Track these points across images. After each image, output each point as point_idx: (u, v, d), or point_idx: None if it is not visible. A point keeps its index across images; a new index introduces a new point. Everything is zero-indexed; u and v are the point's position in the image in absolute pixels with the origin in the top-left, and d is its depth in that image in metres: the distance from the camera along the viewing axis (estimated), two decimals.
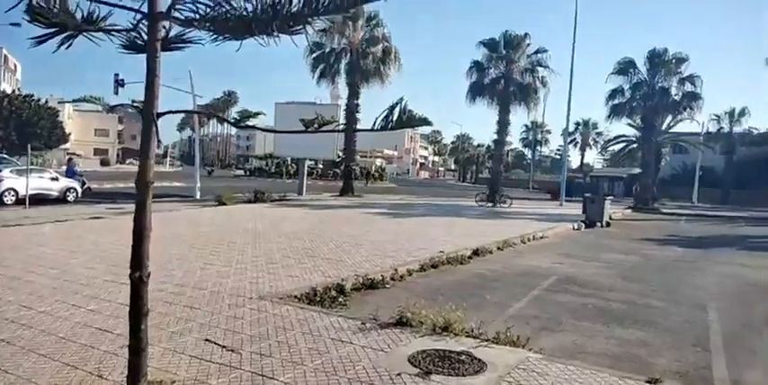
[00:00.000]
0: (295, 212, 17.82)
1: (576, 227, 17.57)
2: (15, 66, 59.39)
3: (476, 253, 10.76)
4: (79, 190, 21.85)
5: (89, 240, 10.16)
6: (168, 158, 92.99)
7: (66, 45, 3.06)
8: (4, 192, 18.61)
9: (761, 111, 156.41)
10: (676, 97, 29.12)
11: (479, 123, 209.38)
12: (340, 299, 6.75)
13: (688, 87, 28.85)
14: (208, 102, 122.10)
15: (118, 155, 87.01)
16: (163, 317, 5.36)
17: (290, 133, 3.06)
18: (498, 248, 11.76)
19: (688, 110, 29.40)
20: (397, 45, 29.32)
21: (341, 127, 29.26)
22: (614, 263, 11.11)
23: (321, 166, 60.80)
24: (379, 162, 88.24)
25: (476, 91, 29.19)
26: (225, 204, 19.42)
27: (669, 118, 32.11)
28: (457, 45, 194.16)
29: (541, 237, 14.38)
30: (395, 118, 3.05)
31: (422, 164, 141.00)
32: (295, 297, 6.40)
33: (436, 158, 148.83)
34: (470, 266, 9.73)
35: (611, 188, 60.54)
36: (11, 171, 19.21)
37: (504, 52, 28.55)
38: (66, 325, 5.09)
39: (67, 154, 63.59)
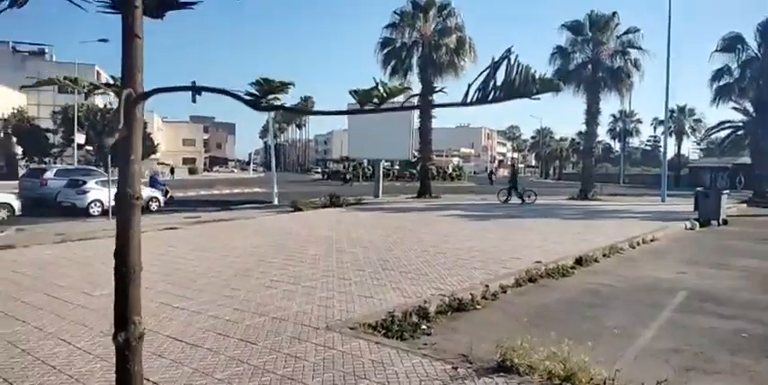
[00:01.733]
0: (370, 217, 16.87)
1: (689, 226, 15.35)
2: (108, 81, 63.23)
3: (579, 262, 9.22)
4: (162, 199, 22.16)
5: (156, 253, 9.66)
6: (251, 165, 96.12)
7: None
8: (90, 203, 19.12)
9: None
10: None
11: (561, 116, 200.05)
12: (423, 327, 5.58)
13: None
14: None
15: (205, 163, 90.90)
16: (211, 357, 4.43)
17: (341, 114, 2.07)
18: (605, 255, 10.12)
19: None
20: (471, 35, 27.79)
21: (415, 123, 28.58)
22: (751, 271, 9.16)
23: (397, 167, 59.98)
24: (456, 160, 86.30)
25: (559, 79, 27.01)
26: (301, 210, 18.86)
27: None
28: (535, 31, 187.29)
29: (652, 240, 12.48)
30: (499, 83, 1.86)
31: (500, 161, 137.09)
32: (369, 326, 5.30)
33: (515, 155, 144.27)
34: (576, 279, 8.24)
35: (714, 180, 55.21)
36: (96, 182, 19.68)
37: (590, 34, 26.25)
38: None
39: (158, 163, 67.09)
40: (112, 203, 18.17)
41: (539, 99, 1.92)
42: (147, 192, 21.64)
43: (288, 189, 32.71)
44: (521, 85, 1.91)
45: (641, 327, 5.77)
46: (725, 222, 16.37)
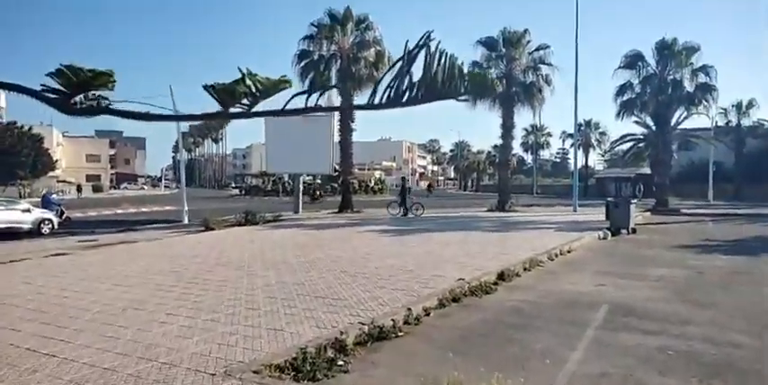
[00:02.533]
0: (288, 235, 16.06)
1: (602, 236, 15.81)
2: None
3: (501, 277, 8.99)
4: (55, 221, 20.12)
5: (36, 285, 8.39)
6: (163, 181, 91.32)
7: None
8: None
9: None
10: (689, 89, 27.43)
11: (479, 129, 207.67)
12: (340, 363, 4.97)
13: (701, 78, 27.19)
14: (201, 122, 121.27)
15: (111, 180, 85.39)
16: None
17: (209, 117, 1.56)
18: (525, 269, 10.00)
19: (703, 102, 27.73)
20: (389, 49, 27.79)
21: (336, 137, 28.03)
22: (665, 280, 9.33)
23: (319, 182, 59.08)
24: (377, 174, 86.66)
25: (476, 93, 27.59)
26: (212, 229, 17.69)
27: (678, 114, 30.47)
28: (452, 47, 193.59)
29: (569, 251, 12.62)
30: (417, 79, 1.35)
31: (421, 174, 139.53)
32: (277, 368, 4.62)
33: (435, 168, 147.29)
34: (499, 296, 7.96)
35: (618, 189, 58.89)
36: None
37: (503, 50, 27.05)
38: None
39: (58, 181, 62.09)
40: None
41: (466, 101, 1.46)
42: (36, 213, 19.59)
43: (202, 206, 31.00)
44: (445, 82, 1.42)
45: (568, 349, 5.49)
46: (633, 231, 17.06)
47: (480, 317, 6.81)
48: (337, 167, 31.44)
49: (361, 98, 28.00)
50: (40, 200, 24.52)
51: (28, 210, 19.30)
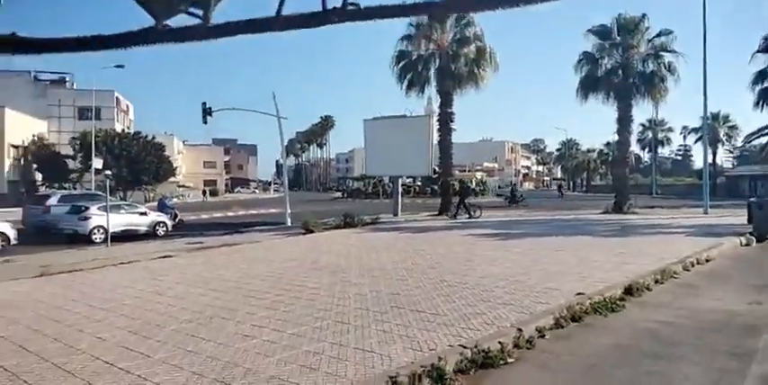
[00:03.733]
0: (386, 239, 15.49)
1: (744, 242, 13.60)
2: (128, 106, 63.62)
3: (629, 291, 7.69)
4: (169, 224, 21.22)
5: (136, 289, 8.44)
6: (272, 185, 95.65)
7: None
8: (92, 230, 18.17)
9: None
10: None
11: (587, 127, 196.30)
12: None
13: None
14: (307, 128, 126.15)
15: (226, 184, 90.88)
16: None
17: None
18: (657, 281, 8.56)
19: None
20: (491, 44, 26.50)
21: (435, 137, 27.18)
22: None
23: (419, 184, 58.61)
24: (479, 175, 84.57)
25: (588, 86, 25.46)
26: (312, 231, 17.61)
27: None
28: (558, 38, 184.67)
29: (707, 260, 10.83)
30: None
31: (525, 174, 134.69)
32: None
33: (540, 168, 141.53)
34: (628, 315, 6.72)
35: (754, 189, 52.42)
36: (98, 208, 18.76)
37: (618, 38, 24.69)
38: None
39: (178, 186, 67.02)
40: (119, 229, 17.49)
41: None
42: (152, 216, 20.74)
43: (305, 208, 31.62)
44: None
45: None
46: None
47: (607, 341, 5.67)
48: (437, 169, 30.61)
49: (460, 97, 27.00)
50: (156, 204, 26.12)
51: (145, 214, 20.50)
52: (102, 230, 18.07)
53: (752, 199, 16.56)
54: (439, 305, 6.85)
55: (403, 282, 8.58)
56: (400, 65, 26.61)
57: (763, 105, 25.06)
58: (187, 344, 5.40)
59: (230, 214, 32.10)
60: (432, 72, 26.73)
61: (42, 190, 45.90)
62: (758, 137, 33.55)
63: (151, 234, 19.85)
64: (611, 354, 5.25)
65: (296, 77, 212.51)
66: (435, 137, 26.84)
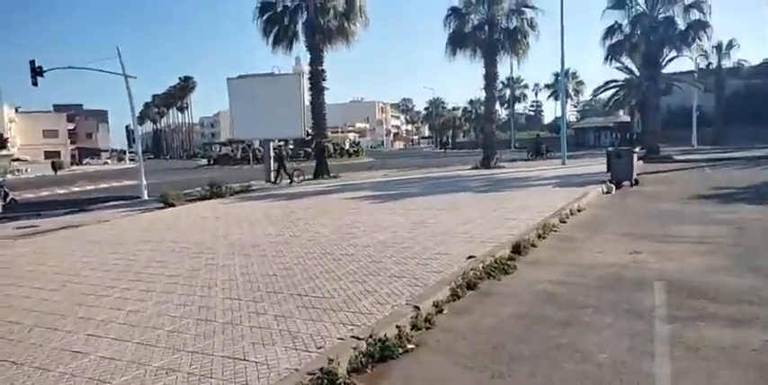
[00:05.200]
0: (259, 208, 14.24)
1: (605, 189, 14.38)
2: None
3: (517, 250, 7.41)
4: None
5: None
6: (128, 154, 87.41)
7: None
8: None
9: (749, 43, 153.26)
10: (682, 27, 25.67)
11: (453, 84, 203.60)
12: None
13: (694, 15, 25.42)
14: (165, 91, 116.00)
15: (73, 156, 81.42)
16: None
17: None
18: (539, 236, 8.44)
19: (696, 40, 26.04)
20: None
21: (306, 97, 25.80)
22: (708, 241, 7.85)
23: (291, 147, 56.70)
24: (351, 136, 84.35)
25: (456, 42, 25.49)
26: (173, 205, 15.74)
27: (662, 57, 28.82)
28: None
29: (579, 211, 11.12)
30: None
31: (395, 134, 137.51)
32: None
33: (409, 127, 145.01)
34: (522, 277, 6.37)
35: (598, 139, 57.93)
36: None
37: None
38: None
39: (12, 160, 58.46)
40: None
41: None
42: None
43: (165, 178, 28.90)
44: None
45: (647, 359, 3.94)
46: (636, 182, 15.70)
47: (508, 310, 5.21)
48: (310, 131, 29.33)
49: (331, 53, 25.71)
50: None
51: None
52: None
53: (610, 148, 17.61)
54: (323, 285, 5.97)
55: (280, 259, 7.57)
56: (264, 17, 24.60)
57: (611, 59, 26.92)
58: None
59: (76, 189, 28.33)
60: (299, 26, 25.04)
61: None
62: (604, 90, 36.47)
63: None
64: (515, 327, 4.76)
65: (149, 33, 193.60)
66: (307, 97, 25.45)
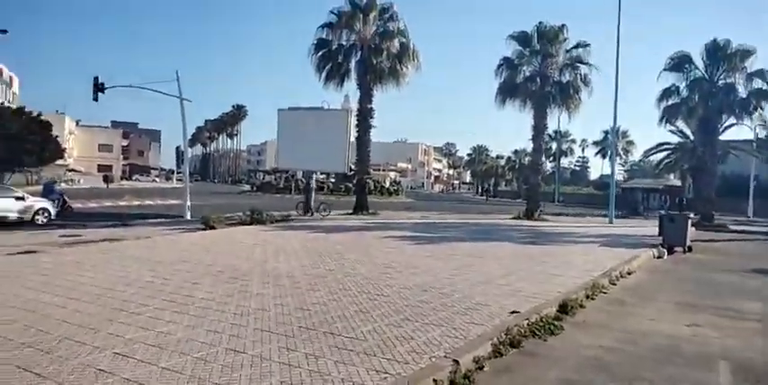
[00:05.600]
0: (296, 238, 14.15)
1: (656, 254, 13.70)
2: (11, 78, 56.90)
3: (563, 309, 6.98)
4: (52, 211, 18.59)
5: None
6: (175, 174, 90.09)
7: None
8: None
9: None
10: (743, 95, 25.05)
11: (498, 134, 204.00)
12: None
13: (756, 84, 24.78)
14: (217, 117, 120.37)
15: (123, 171, 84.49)
16: None
17: None
18: (588, 297, 7.97)
19: (758, 109, 25.29)
20: (414, 41, 25.79)
21: (352, 133, 26.13)
22: None
23: (333, 180, 57.29)
24: (392, 175, 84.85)
25: (506, 91, 25.53)
26: (213, 227, 15.84)
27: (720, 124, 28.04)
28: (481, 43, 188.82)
29: (629, 273, 10.54)
30: None
31: (436, 177, 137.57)
32: None
33: (451, 171, 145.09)
34: (569, 339, 5.95)
35: (646, 201, 56.31)
36: None
37: (538, 46, 24.94)
38: None
39: (67, 170, 61.04)
40: None
41: None
42: (29, 202, 18.02)
43: (209, 201, 29.36)
44: None
45: None
46: (690, 249, 14.92)
47: (554, 375, 4.81)
48: (353, 166, 29.55)
49: (381, 93, 26.13)
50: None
51: (22, 198, 17.79)
52: None
53: (661, 212, 16.92)
54: (357, 325, 5.71)
55: (314, 292, 7.36)
56: (319, 54, 25.30)
57: (666, 121, 26.36)
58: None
59: (122, 204, 29.09)
60: (352, 64, 25.65)
61: None
62: (656, 152, 35.59)
63: (28, 222, 17.28)
64: None
65: (209, 62, 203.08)
66: (353, 133, 25.77)
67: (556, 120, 60.05)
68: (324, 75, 25.58)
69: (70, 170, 61.81)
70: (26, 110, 44.46)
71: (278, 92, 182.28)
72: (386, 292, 7.47)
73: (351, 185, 52.21)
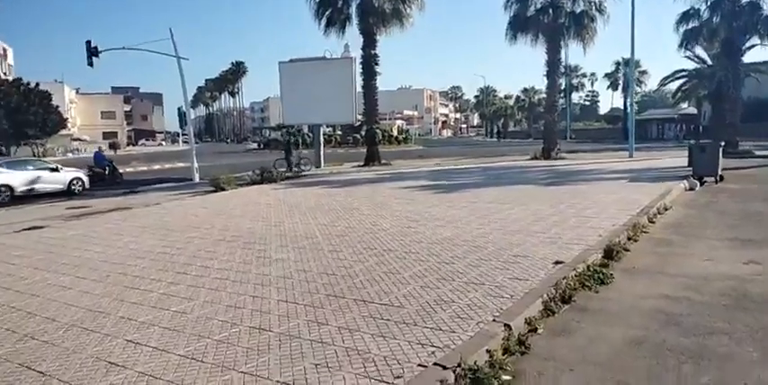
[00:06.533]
0: (310, 195, 13.62)
1: (688, 186, 13.01)
2: (5, 50, 55.34)
3: (608, 255, 6.42)
4: (85, 179, 18.86)
5: None
6: (181, 137, 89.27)
7: None
8: None
9: None
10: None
11: (505, 73, 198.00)
12: None
13: None
14: (217, 76, 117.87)
15: (129, 137, 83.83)
16: None
17: None
18: (630, 238, 7.40)
19: None
20: None
21: (358, 82, 25.03)
22: None
23: (339, 133, 56.29)
24: (398, 123, 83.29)
25: (517, 26, 24.04)
26: (223, 189, 15.36)
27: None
28: None
29: (665, 209, 9.91)
30: None
31: (443, 122, 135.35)
32: None
33: (458, 115, 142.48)
34: (622, 289, 5.40)
35: (662, 131, 54.87)
36: (4, 165, 16.88)
37: None
38: None
39: (72, 139, 60.48)
40: (25, 187, 15.13)
41: None
42: (64, 172, 18.30)
43: (217, 161, 28.89)
44: None
45: None
46: (721, 178, 14.18)
47: (619, 334, 4.27)
48: (360, 117, 28.62)
49: (385, 38, 24.78)
50: (92, 157, 23.14)
51: (56, 170, 18.14)
52: (5, 189, 16.20)
53: (691, 141, 16.08)
54: (389, 290, 5.19)
55: (337, 254, 6.85)
56: None
57: (686, 45, 24.87)
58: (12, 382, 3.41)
59: (129, 170, 28.66)
60: (353, 9, 24.19)
61: None
62: (672, 80, 34.00)
63: (66, 192, 17.68)
64: (635, 359, 3.84)
65: (201, 18, 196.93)
66: (359, 82, 24.72)
67: (583, 50, 57.68)
68: (324, 21, 24.26)
69: (75, 139, 61.26)
70: (23, 81, 43.39)
71: (277, 47, 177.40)
72: (414, 249, 6.93)
73: (359, 137, 51.29)
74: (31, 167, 17.70)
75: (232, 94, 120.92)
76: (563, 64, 54.31)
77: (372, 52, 24.68)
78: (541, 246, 6.76)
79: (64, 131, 51.80)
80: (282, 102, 26.97)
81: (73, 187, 18.02)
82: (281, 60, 25.66)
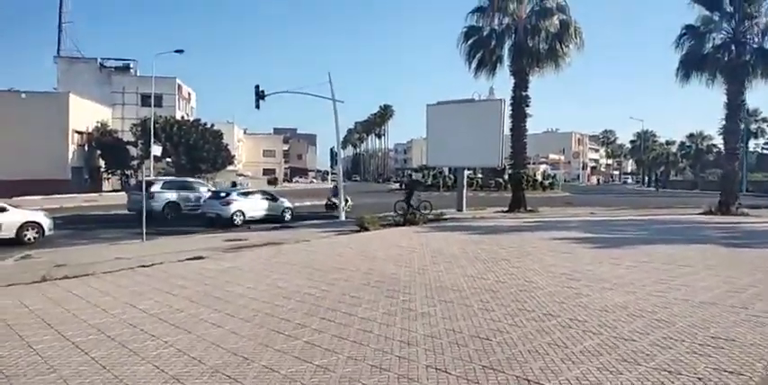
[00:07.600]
0: (454, 241, 13.03)
1: None
2: (189, 94, 63.67)
3: None
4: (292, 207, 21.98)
5: (96, 317, 6.45)
6: (330, 175, 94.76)
7: None
8: (234, 213, 19.20)
9: None
10: None
11: (664, 118, 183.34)
12: None
13: None
14: (365, 119, 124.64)
15: (285, 174, 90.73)
16: None
17: None
18: None
19: None
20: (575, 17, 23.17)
21: (506, 124, 24.34)
22: None
23: (481, 176, 55.39)
24: (542, 168, 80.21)
25: (691, 65, 21.78)
26: (367, 229, 15.40)
27: None
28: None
29: None
30: None
31: (593, 168, 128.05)
32: None
33: (609, 161, 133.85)
34: None
35: None
36: (238, 194, 20.29)
37: (731, 8, 20.87)
38: None
39: (237, 174, 66.88)
40: (257, 214, 17.68)
41: None
42: (281, 202, 21.38)
43: (361, 200, 29.61)
44: None
45: None
46: None
47: None
48: (505, 160, 27.71)
49: (538, 78, 23.99)
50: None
51: (274, 199, 21.31)
52: (240, 214, 19.40)
53: None
54: (557, 368, 4.37)
55: (489, 313, 6.14)
56: (469, 42, 23.87)
57: None
58: None
59: (319, 203, 30.55)
60: (505, 50, 23.84)
61: (105, 176, 46.23)
62: None
63: (280, 219, 20.41)
64: None
65: (354, 65, 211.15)
66: (507, 124, 24.02)
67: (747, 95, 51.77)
68: (474, 63, 24.12)
69: (239, 175, 67.67)
70: (201, 121, 49.23)
71: (422, 89, 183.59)
72: (580, 316, 5.99)
73: (501, 181, 50.04)
74: (259, 197, 21.07)
75: (378, 136, 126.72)
76: (745, 106, 48.68)
77: (523, 94, 23.94)
78: (746, 327, 5.45)
79: (231, 167, 57.38)
80: (428, 144, 27.12)
81: (284, 214, 21.03)
82: (429, 103, 25.96)
